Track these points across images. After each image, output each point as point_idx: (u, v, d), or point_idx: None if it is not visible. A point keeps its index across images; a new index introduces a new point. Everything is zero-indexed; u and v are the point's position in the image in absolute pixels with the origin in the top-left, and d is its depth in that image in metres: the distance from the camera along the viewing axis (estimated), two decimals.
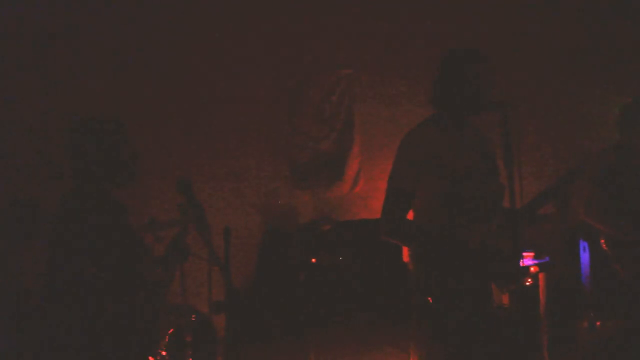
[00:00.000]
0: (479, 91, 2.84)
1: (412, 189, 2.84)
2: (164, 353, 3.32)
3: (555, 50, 5.54)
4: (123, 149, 2.81)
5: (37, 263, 3.66)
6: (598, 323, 4.54)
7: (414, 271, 2.94)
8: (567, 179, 2.97)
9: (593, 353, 4.58)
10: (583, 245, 4.68)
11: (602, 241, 4.22)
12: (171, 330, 4.11)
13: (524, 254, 4.65)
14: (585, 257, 4.67)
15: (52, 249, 2.81)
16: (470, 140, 2.96)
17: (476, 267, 2.81)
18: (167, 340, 4.10)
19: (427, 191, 2.85)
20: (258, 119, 5.24)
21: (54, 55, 4.59)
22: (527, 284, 4.72)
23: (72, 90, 4.59)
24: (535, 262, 4.70)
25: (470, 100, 2.85)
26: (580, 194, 4.07)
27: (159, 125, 4.62)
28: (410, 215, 2.96)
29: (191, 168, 4.93)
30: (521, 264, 2.84)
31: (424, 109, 3.07)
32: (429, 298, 2.85)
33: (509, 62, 5.21)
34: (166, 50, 4.92)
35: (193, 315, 4.24)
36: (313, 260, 4.82)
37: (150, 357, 3.02)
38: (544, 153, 5.61)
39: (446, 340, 2.89)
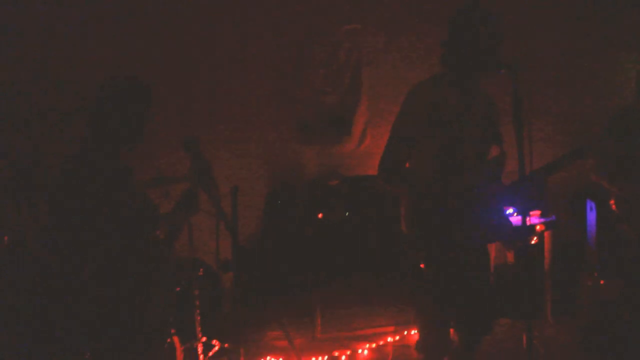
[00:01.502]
0: (487, 50, 2.83)
1: (411, 138, 2.92)
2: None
3: (569, 8, 5.43)
4: (146, 112, 2.80)
5: (37, 220, 3.69)
6: (602, 282, 4.58)
7: (407, 234, 2.99)
8: (580, 152, 2.97)
9: (596, 312, 4.63)
10: (590, 205, 4.69)
11: (612, 202, 4.22)
12: (178, 289, 4.17)
13: (531, 212, 4.67)
14: (592, 216, 4.68)
15: (54, 209, 2.82)
16: (473, 102, 2.96)
17: (462, 227, 2.85)
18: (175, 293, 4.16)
19: (423, 145, 2.91)
20: (264, 76, 5.19)
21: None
22: (533, 242, 4.75)
23: (85, 49, 4.56)
24: (542, 220, 4.72)
25: (477, 59, 2.85)
26: (593, 154, 4.07)
27: (164, 82, 4.57)
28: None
29: (197, 124, 4.91)
30: (527, 222, 2.87)
31: (435, 67, 3.06)
32: (421, 264, 2.91)
33: (520, 22, 5.13)
34: (169, 8, 4.85)
35: (201, 269, 4.29)
36: (319, 215, 4.83)
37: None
38: (555, 117, 5.55)
39: (437, 300, 2.97)
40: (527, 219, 2.91)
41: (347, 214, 4.88)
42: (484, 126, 2.98)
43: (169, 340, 3.41)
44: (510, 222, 3.08)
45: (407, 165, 3.01)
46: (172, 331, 3.86)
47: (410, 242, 2.99)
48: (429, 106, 2.87)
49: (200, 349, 4.20)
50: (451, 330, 3.13)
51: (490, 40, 2.82)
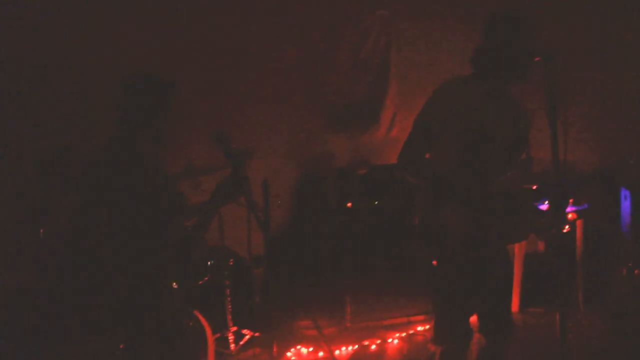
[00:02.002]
0: (521, 63, 2.79)
1: (433, 133, 2.91)
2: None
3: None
4: (167, 105, 2.83)
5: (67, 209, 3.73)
6: (637, 271, 4.53)
7: (420, 228, 2.97)
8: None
9: (630, 301, 4.58)
10: (625, 193, 4.62)
11: None
12: (207, 277, 4.19)
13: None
14: (626, 205, 4.61)
15: (83, 200, 2.86)
16: (500, 106, 2.95)
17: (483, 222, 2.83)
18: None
19: (443, 143, 2.90)
20: (292, 64, 5.17)
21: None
22: (564, 231, 4.69)
23: (116, 43, 4.58)
24: (574, 208, 4.66)
25: (509, 71, 2.83)
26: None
27: (193, 76, 4.59)
28: None
29: (225, 116, 4.92)
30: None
31: (464, 55, 3.03)
32: (434, 262, 2.89)
33: (555, 10, 5.05)
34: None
35: (231, 259, 4.32)
36: (349, 204, 4.83)
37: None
38: (590, 103, 5.46)
39: (447, 295, 2.95)
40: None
41: (376, 202, 4.86)
42: (509, 131, 2.96)
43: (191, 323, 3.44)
44: (541, 211, 3.05)
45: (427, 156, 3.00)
46: (203, 320, 3.90)
47: (422, 237, 2.97)
48: (449, 109, 2.87)
49: (231, 338, 4.24)
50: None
51: (524, 53, 2.78)
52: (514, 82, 2.89)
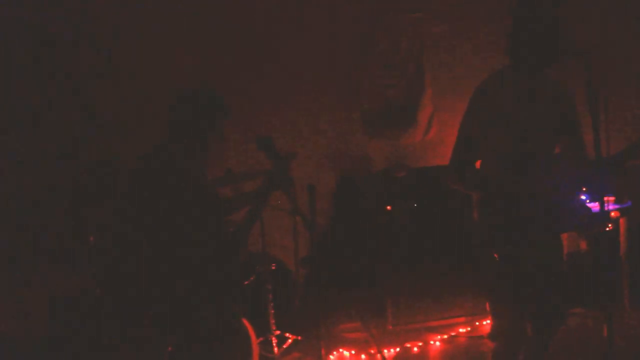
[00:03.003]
0: (553, 41, 2.76)
1: (480, 138, 2.87)
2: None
3: None
4: (220, 122, 2.91)
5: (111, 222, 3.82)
6: None
7: (478, 222, 2.96)
8: None
9: None
10: None
11: None
12: (252, 278, 4.25)
13: (605, 198, 4.55)
14: None
15: (124, 209, 2.94)
16: (541, 93, 2.90)
17: (533, 220, 2.80)
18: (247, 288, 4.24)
19: (492, 143, 2.87)
20: (327, 70, 5.21)
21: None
22: (608, 229, 4.63)
23: (162, 53, 4.69)
24: (617, 206, 4.60)
25: (544, 50, 2.79)
26: None
27: (230, 82, 4.66)
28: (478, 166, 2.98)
29: (263, 122, 4.98)
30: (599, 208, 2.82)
31: (501, 56, 3.01)
32: (495, 254, 2.87)
33: (592, 6, 5.00)
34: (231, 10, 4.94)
35: (273, 264, 4.37)
36: (388, 207, 4.84)
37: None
38: (631, 100, 5.38)
39: (510, 292, 2.93)
40: (604, 205, 2.84)
41: (415, 205, 4.86)
42: (555, 116, 2.92)
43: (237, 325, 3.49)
44: (587, 209, 3.01)
45: (478, 164, 2.97)
46: (248, 324, 3.94)
47: (482, 233, 2.96)
48: (496, 104, 2.83)
49: (274, 341, 4.28)
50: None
51: (554, 29, 2.75)
52: (550, 63, 2.82)
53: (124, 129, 4.57)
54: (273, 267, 4.32)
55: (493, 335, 3.08)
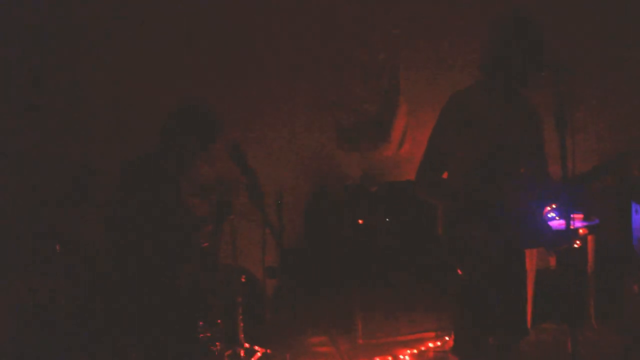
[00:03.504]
0: (529, 63, 2.79)
1: (449, 150, 2.88)
2: (218, 321, 3.43)
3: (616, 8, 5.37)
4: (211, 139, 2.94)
5: (90, 224, 3.79)
6: None
7: (443, 234, 2.98)
8: (620, 159, 2.94)
9: None
10: (635, 207, 4.62)
11: None
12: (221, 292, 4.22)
13: (573, 215, 4.62)
14: (637, 219, 4.61)
15: (106, 216, 2.93)
16: (514, 111, 2.93)
17: (500, 234, 2.83)
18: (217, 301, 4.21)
19: (462, 155, 2.87)
20: (304, 82, 5.23)
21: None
22: (576, 246, 4.69)
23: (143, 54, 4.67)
24: (585, 224, 4.66)
25: (518, 69, 2.81)
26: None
27: (207, 90, 4.65)
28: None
29: (237, 133, 4.97)
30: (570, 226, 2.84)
31: (475, 73, 3.04)
32: (458, 270, 2.89)
33: (565, 22, 5.08)
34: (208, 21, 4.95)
35: (243, 276, 4.34)
36: (360, 221, 4.85)
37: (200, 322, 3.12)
38: (598, 112, 5.48)
39: (473, 305, 2.94)
40: (570, 223, 2.87)
41: (387, 219, 4.88)
42: (525, 136, 2.95)
43: (214, 348, 3.47)
44: (550, 227, 3.05)
45: (445, 175, 2.98)
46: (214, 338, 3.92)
47: (446, 246, 2.97)
48: (467, 117, 2.83)
49: (242, 354, 4.25)
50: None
51: (532, 53, 2.79)
52: (525, 83, 2.86)
53: (105, 134, 4.54)
54: (243, 279, 4.30)
55: (456, 349, 3.08)
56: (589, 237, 4.77)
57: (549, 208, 4.25)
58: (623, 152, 2.98)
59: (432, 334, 4.75)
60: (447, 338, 4.72)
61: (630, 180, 4.47)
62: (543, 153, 3.01)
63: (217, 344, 3.94)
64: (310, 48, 5.21)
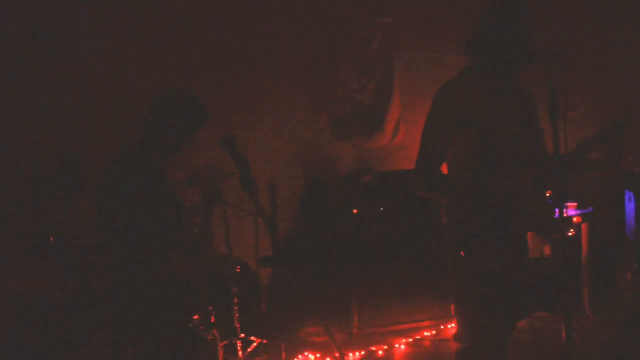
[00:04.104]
0: (521, 41, 2.77)
1: (445, 142, 2.83)
2: (210, 308, 3.43)
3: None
4: (197, 125, 2.91)
5: (80, 215, 3.78)
6: None
7: (448, 224, 2.97)
8: (616, 126, 2.91)
9: (636, 304, 4.57)
10: (629, 195, 4.63)
11: None
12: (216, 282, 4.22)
13: (568, 204, 4.63)
14: (630, 207, 4.62)
15: (98, 206, 2.92)
16: (509, 94, 2.91)
17: (504, 220, 2.82)
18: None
19: (460, 144, 2.83)
20: (298, 72, 5.22)
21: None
22: (570, 234, 4.70)
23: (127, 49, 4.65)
24: (579, 212, 4.67)
25: (511, 50, 2.79)
26: (630, 142, 4.00)
27: (199, 82, 4.63)
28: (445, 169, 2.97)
29: (230, 123, 4.96)
30: (564, 214, 2.84)
31: (467, 59, 3.02)
32: (461, 252, 2.87)
33: (558, 10, 5.08)
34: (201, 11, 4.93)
35: (238, 267, 4.34)
36: (354, 211, 4.85)
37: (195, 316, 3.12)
38: (591, 101, 5.49)
39: (477, 291, 2.93)
40: (564, 210, 2.86)
41: (381, 208, 4.88)
42: (521, 120, 2.93)
43: (209, 337, 3.47)
44: (552, 209, 3.03)
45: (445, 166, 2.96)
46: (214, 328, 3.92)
47: (450, 232, 2.95)
48: (458, 107, 2.78)
49: (239, 345, 4.25)
50: None
51: (524, 33, 2.77)
52: (517, 63, 2.81)
53: (91, 128, 4.52)
54: (238, 270, 4.30)
55: (458, 336, 3.08)
56: (583, 226, 4.78)
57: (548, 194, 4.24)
58: (616, 120, 2.93)
59: (427, 323, 4.77)
60: (442, 327, 4.74)
61: (623, 168, 4.47)
62: (539, 127, 2.98)
63: (214, 331, 3.94)
64: (302, 38, 5.19)
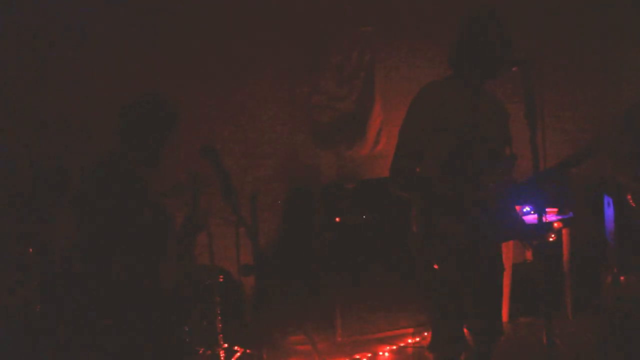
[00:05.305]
0: (496, 50, 2.82)
1: (420, 143, 2.86)
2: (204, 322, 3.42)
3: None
4: (171, 131, 2.89)
5: (63, 227, 3.75)
6: (622, 278, 4.57)
7: (418, 236, 2.98)
8: (585, 154, 2.98)
9: (617, 308, 4.61)
10: (607, 200, 4.68)
11: (629, 197, 4.21)
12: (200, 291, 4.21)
13: (548, 209, 4.68)
14: (609, 212, 4.67)
15: (78, 218, 2.90)
16: (482, 103, 2.96)
17: (475, 225, 2.84)
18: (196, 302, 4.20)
19: (434, 148, 2.86)
20: (279, 81, 5.24)
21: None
22: (551, 239, 4.74)
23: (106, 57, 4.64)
24: (559, 217, 4.71)
25: (486, 63, 2.84)
26: (610, 149, 4.06)
27: (180, 91, 4.64)
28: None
29: (212, 132, 4.96)
30: (544, 219, 2.87)
31: (446, 68, 3.07)
32: (435, 265, 2.89)
33: (529, 13, 5.14)
34: (182, 19, 4.93)
35: (221, 276, 4.33)
36: (337, 219, 4.86)
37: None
38: (568, 107, 5.55)
39: (447, 298, 2.95)
40: (544, 216, 2.89)
41: (363, 216, 4.89)
42: (494, 128, 2.97)
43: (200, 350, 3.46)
44: (523, 220, 3.06)
45: (418, 169, 2.98)
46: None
47: (421, 243, 2.97)
48: (435, 110, 2.83)
49: (222, 354, 4.23)
50: (466, 332, 3.11)
51: (502, 47, 2.82)
52: (493, 75, 2.87)
53: (69, 134, 4.50)
54: (220, 279, 4.28)
55: (432, 346, 3.09)
56: (564, 231, 4.82)
57: (521, 206, 4.29)
58: (598, 137, 2.99)
59: (411, 330, 4.78)
60: (425, 334, 4.75)
61: (602, 174, 4.52)
62: (509, 135, 3.03)
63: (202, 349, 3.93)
64: (284, 45, 5.21)
